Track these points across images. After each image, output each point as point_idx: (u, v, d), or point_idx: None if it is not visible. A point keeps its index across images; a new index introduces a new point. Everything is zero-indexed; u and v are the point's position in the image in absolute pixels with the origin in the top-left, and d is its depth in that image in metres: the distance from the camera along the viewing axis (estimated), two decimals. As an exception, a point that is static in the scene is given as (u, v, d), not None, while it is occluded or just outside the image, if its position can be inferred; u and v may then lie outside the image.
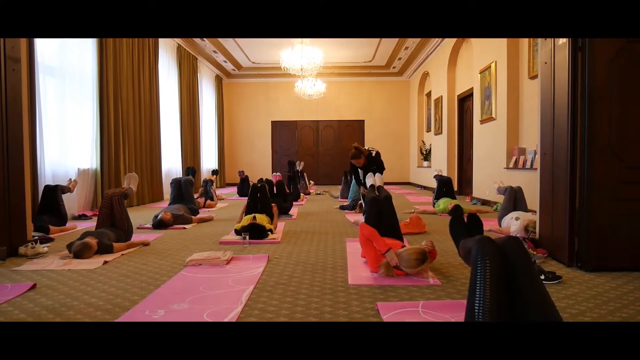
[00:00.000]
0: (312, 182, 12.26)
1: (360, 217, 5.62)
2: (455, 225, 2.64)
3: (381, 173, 5.44)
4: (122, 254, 3.75)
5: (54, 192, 5.21)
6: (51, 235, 4.62)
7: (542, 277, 2.79)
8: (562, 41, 3.26)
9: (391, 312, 2.27)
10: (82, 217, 6.17)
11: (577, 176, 3.17)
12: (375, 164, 5.60)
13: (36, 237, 4.20)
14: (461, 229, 2.58)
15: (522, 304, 1.59)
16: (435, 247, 3.17)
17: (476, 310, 1.58)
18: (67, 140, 6.38)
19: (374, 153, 5.66)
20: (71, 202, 6.05)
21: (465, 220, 2.72)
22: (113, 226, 4.16)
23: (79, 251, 3.54)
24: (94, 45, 6.97)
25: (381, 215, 3.61)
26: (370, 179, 4.45)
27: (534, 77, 6.33)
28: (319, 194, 10.46)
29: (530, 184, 5.77)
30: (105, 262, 3.44)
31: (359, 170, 5.76)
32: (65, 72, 6.39)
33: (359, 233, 3.18)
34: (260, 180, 7.10)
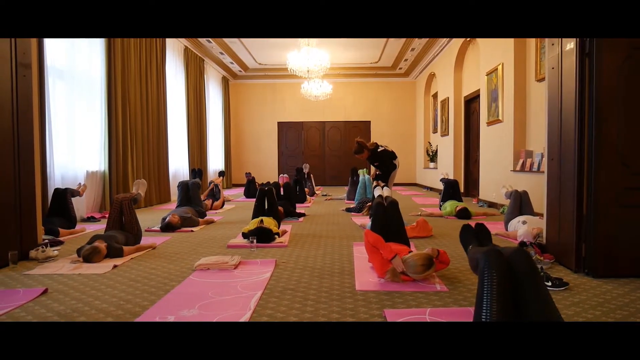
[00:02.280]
0: (319, 187, 12.30)
1: (366, 220, 5.63)
2: (465, 232, 2.66)
3: (386, 180, 5.43)
4: (131, 258, 3.79)
5: (64, 196, 5.26)
6: (61, 238, 4.67)
7: (549, 283, 2.79)
8: (569, 47, 3.26)
9: (398, 320, 2.28)
10: (90, 219, 6.23)
11: (584, 182, 3.17)
12: (378, 160, 5.49)
13: (46, 241, 4.25)
14: (470, 236, 2.60)
15: (529, 316, 1.60)
16: (447, 255, 3.16)
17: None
18: (76, 142, 6.44)
19: (379, 149, 5.54)
20: (80, 204, 6.10)
21: (474, 227, 2.74)
22: (122, 230, 4.21)
23: (88, 255, 3.58)
24: (102, 47, 7.03)
25: (387, 220, 3.63)
26: (379, 191, 4.50)
27: (541, 80, 6.31)
28: (325, 194, 10.49)
29: (537, 186, 5.76)
30: (115, 267, 3.48)
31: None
32: (74, 75, 6.45)
33: (364, 240, 3.20)
34: (267, 184, 7.14)
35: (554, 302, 1.76)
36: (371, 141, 5.62)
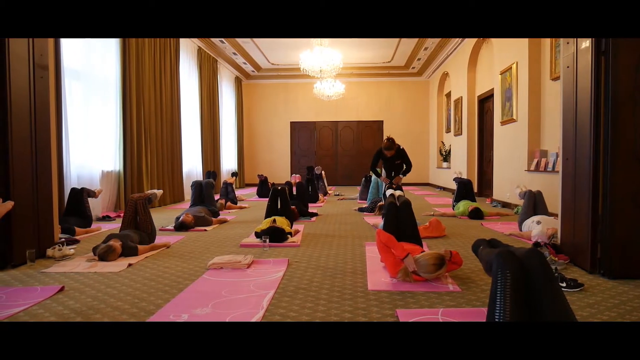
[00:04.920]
0: (332, 187, 12.29)
1: (379, 220, 5.63)
2: (476, 240, 2.66)
3: (409, 170, 6.15)
4: (146, 257, 3.84)
5: (80, 195, 5.34)
6: (77, 237, 4.73)
7: (564, 284, 2.77)
8: (584, 45, 3.22)
9: (411, 319, 2.28)
10: (105, 218, 6.31)
11: (599, 182, 3.13)
12: (401, 157, 6.09)
13: (63, 239, 4.32)
14: (481, 241, 2.59)
15: (543, 317, 1.59)
16: (460, 256, 3.14)
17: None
18: (91, 142, 6.53)
19: (401, 147, 6.13)
20: (95, 204, 6.18)
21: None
22: (137, 229, 4.26)
23: (103, 254, 3.63)
24: (117, 48, 7.11)
25: (400, 220, 3.62)
26: (391, 190, 4.55)
27: (556, 79, 6.25)
28: (338, 194, 10.49)
29: (551, 186, 5.70)
30: (130, 265, 3.53)
31: (383, 163, 6.23)
32: (90, 76, 6.54)
33: (376, 239, 3.19)
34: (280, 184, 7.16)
35: (568, 303, 1.75)
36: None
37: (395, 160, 6.10)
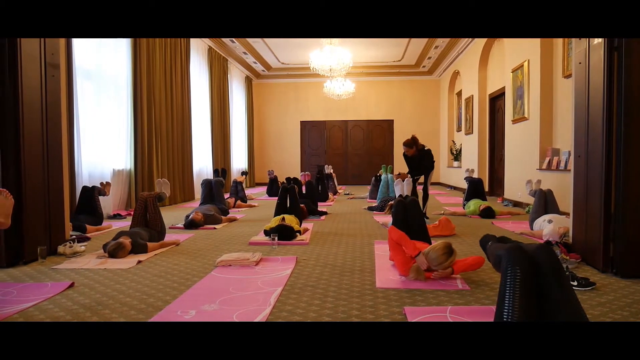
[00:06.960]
0: (342, 187, 12.25)
1: (388, 219, 5.60)
2: (484, 236, 2.63)
3: (421, 174, 6.03)
4: (155, 254, 3.86)
5: (91, 193, 5.38)
6: (88, 235, 4.78)
7: (575, 283, 2.73)
8: (597, 41, 3.18)
9: (418, 317, 2.27)
10: (116, 216, 6.36)
11: (612, 180, 3.08)
12: (425, 159, 6.02)
13: (74, 237, 4.35)
14: (489, 236, 2.56)
15: (553, 315, 1.56)
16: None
17: (505, 320, 1.57)
18: (102, 141, 6.59)
19: (426, 148, 6.11)
20: (106, 202, 6.23)
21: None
22: (147, 226, 4.28)
23: (113, 251, 3.66)
24: (128, 48, 7.16)
25: (408, 218, 3.60)
26: (399, 188, 4.54)
27: (568, 76, 6.17)
28: (347, 193, 10.47)
29: (564, 185, 5.64)
30: (139, 262, 3.55)
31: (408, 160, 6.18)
32: (101, 75, 6.60)
33: (388, 237, 3.18)
34: (288, 179, 7.17)
35: (579, 301, 1.72)
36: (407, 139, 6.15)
37: (417, 160, 6.00)
